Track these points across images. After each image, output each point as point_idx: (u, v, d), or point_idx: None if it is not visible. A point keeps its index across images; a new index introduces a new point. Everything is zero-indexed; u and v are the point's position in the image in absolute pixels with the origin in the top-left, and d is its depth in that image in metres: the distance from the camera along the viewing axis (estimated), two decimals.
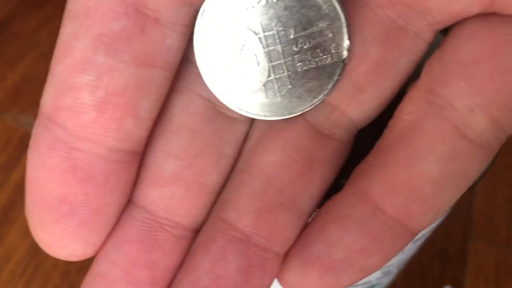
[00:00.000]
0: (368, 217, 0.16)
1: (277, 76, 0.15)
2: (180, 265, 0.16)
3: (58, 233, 0.14)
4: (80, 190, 0.14)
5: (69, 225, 0.14)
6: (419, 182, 0.15)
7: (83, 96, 0.14)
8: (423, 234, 0.21)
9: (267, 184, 0.16)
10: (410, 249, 0.23)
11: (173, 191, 0.16)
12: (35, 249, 0.39)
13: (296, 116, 0.16)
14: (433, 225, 0.21)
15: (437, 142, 0.15)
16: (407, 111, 0.16)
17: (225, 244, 0.16)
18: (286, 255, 0.16)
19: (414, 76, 0.17)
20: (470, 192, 0.19)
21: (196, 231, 0.17)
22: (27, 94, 0.53)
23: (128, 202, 0.16)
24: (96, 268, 0.16)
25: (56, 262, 0.37)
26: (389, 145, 0.16)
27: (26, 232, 0.41)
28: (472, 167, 0.16)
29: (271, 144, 0.16)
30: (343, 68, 0.15)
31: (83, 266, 0.36)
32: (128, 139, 0.14)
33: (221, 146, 0.16)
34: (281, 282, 0.17)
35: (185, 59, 0.15)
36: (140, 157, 0.15)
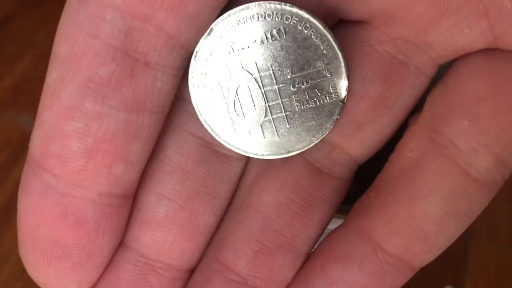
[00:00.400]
0: (369, 256, 0.15)
1: (274, 116, 0.15)
2: None
3: (52, 275, 0.14)
4: (72, 234, 0.14)
5: (62, 267, 0.14)
6: (421, 221, 0.15)
7: (72, 143, 0.13)
8: None
9: (264, 226, 0.16)
10: None
11: (165, 234, 0.15)
12: None
13: (295, 154, 0.15)
14: None
15: (440, 181, 0.15)
16: (409, 148, 0.16)
17: (221, 286, 0.16)
18: None
19: (415, 106, 0.16)
20: None
21: (190, 271, 0.16)
22: (26, 94, 0.52)
23: (121, 243, 0.15)
24: None
25: None
26: (391, 182, 0.16)
27: None
28: (475, 205, 0.15)
29: (269, 184, 0.16)
30: (343, 108, 0.15)
31: None
32: (118, 184, 0.14)
33: (215, 186, 0.16)
34: None
35: (178, 97, 0.15)
36: (131, 199, 0.15)
